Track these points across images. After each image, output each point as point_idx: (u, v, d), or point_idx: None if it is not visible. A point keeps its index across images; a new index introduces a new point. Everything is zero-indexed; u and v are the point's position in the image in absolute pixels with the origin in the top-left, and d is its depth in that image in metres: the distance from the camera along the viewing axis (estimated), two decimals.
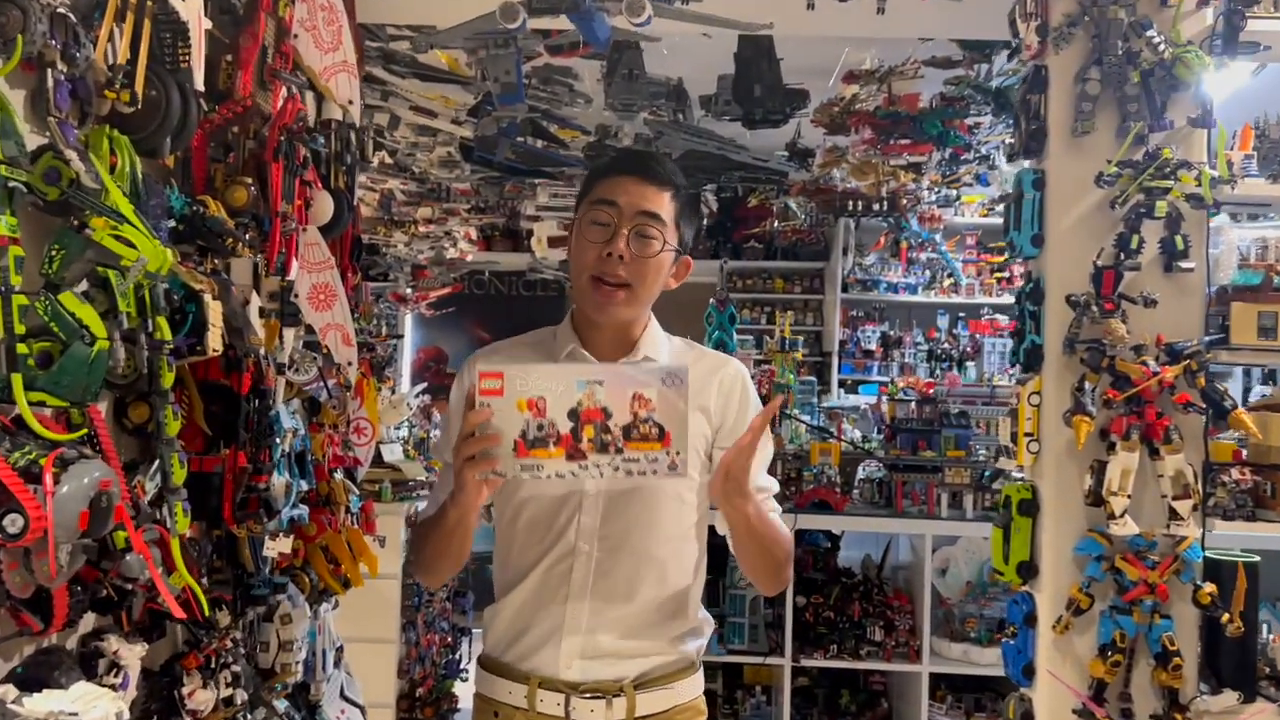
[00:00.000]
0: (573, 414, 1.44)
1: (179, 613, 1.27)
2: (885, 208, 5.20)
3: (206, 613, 1.40)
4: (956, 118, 4.47)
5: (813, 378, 4.82)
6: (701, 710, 1.77)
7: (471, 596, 5.95)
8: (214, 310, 1.48)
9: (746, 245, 7.41)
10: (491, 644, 1.78)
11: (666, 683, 1.70)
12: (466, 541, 1.65)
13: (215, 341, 1.49)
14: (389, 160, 5.72)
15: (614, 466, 1.45)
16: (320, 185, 2.16)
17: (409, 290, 6.75)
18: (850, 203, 5.16)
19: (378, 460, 5.02)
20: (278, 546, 1.70)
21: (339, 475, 2.32)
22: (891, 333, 7.30)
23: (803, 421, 4.21)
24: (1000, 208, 6.84)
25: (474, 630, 5.84)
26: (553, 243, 5.59)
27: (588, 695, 1.65)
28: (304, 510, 2.17)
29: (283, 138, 1.62)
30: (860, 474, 4.04)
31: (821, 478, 3.82)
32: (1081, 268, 2.32)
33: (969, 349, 6.53)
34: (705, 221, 7.19)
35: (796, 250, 7.42)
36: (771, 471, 1.92)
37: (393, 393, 5.14)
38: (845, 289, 7.24)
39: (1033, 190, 2.39)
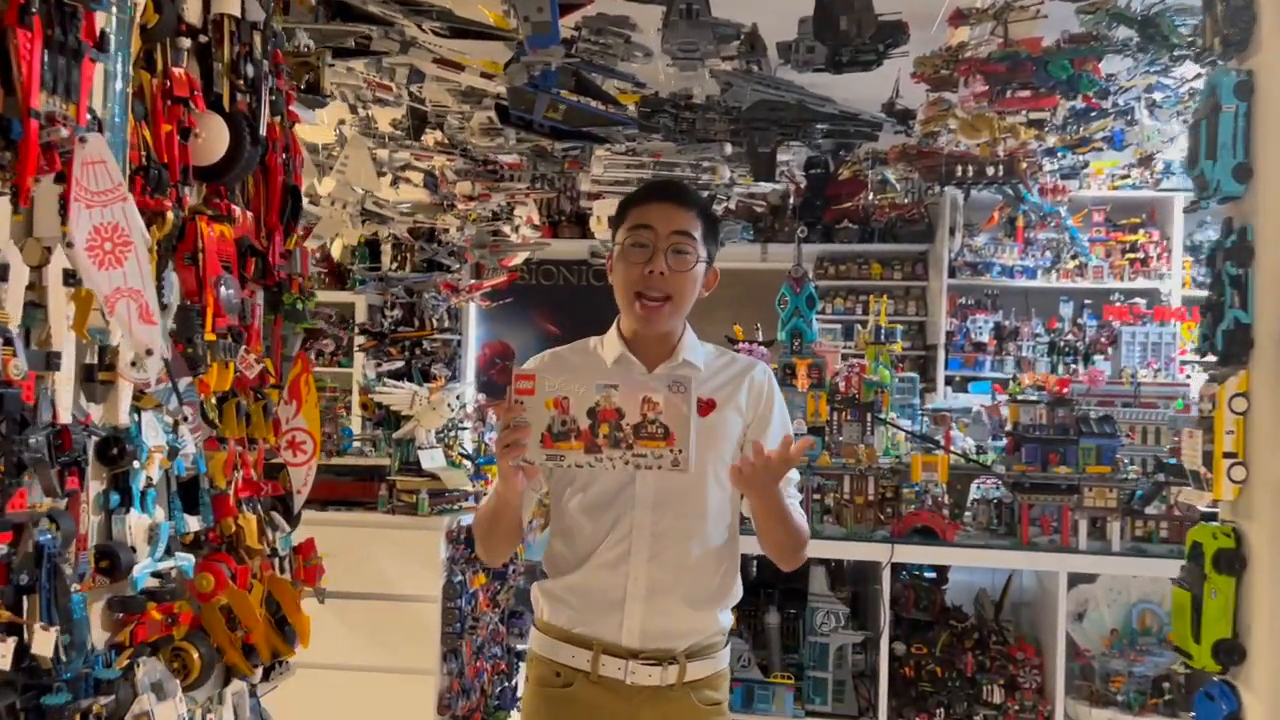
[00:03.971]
0: (591, 413, 1.65)
1: None
2: (1001, 173, 4.42)
3: None
4: (1090, 56, 3.68)
5: (914, 374, 4.06)
6: (728, 674, 1.97)
7: (530, 617, 5.33)
8: None
9: (839, 226, 6.67)
10: (553, 612, 1.91)
11: (711, 652, 1.89)
12: (515, 521, 1.85)
13: None
14: (443, 138, 5.21)
15: (625, 460, 1.65)
16: (202, 104, 1.55)
17: (468, 280, 6.20)
18: (959, 168, 4.40)
19: (416, 469, 4.46)
20: (38, 644, 1.08)
21: (252, 508, 1.70)
22: (1006, 323, 6.54)
23: (900, 428, 3.46)
24: (1134, 176, 5.98)
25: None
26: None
27: (646, 661, 1.82)
28: (187, 560, 1.56)
29: None
30: (974, 493, 3.28)
31: (925, 498, 3.08)
32: None
33: (1102, 339, 5.66)
34: (792, 200, 6.46)
35: (896, 231, 6.66)
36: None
37: (430, 392, 4.56)
38: (952, 274, 6.52)
39: (1235, 99, 1.64)
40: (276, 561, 1.80)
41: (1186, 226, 6.38)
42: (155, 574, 1.48)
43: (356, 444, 5.03)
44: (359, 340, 6.18)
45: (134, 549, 1.45)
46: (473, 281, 5.67)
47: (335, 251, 7.07)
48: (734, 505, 1.92)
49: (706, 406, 1.80)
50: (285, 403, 1.86)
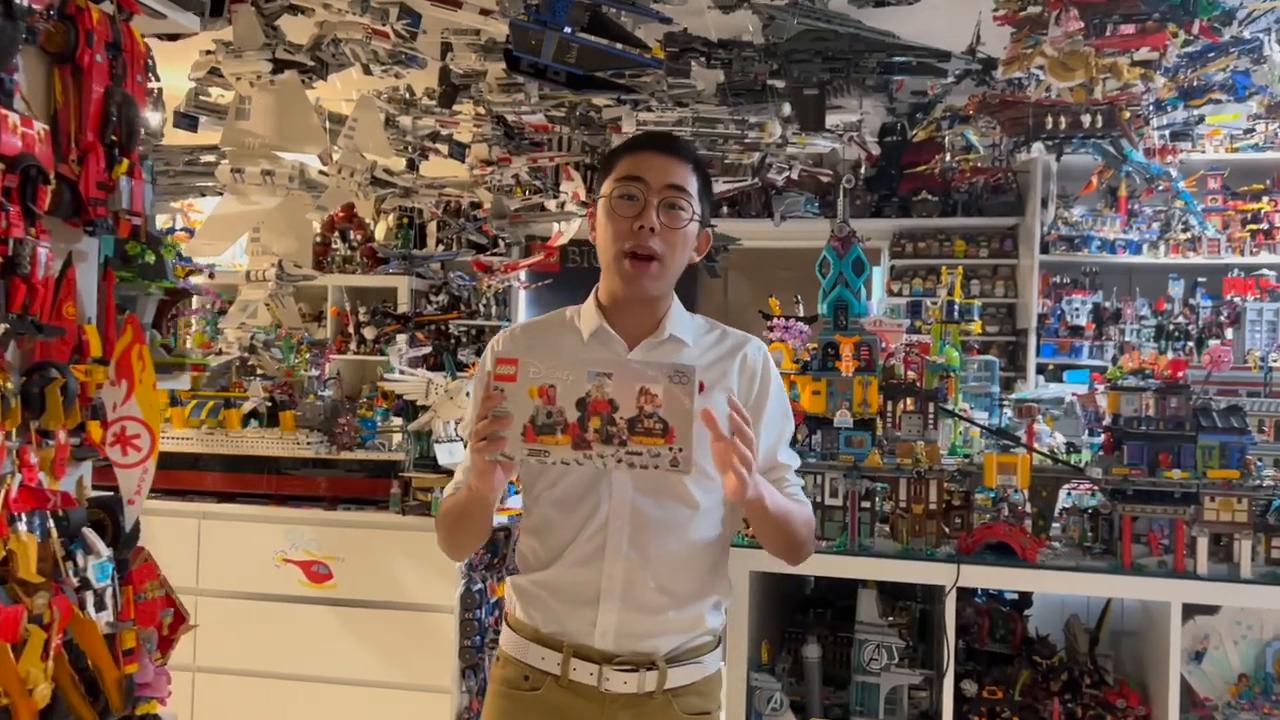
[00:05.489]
0: (581, 404, 1.49)
1: None
2: (1099, 124, 3.78)
3: None
4: None
5: (993, 359, 3.45)
6: (721, 681, 1.83)
7: None
8: None
9: (918, 199, 6.05)
10: (523, 611, 1.78)
11: (697, 655, 1.75)
12: (485, 520, 1.71)
13: None
14: (480, 111, 4.81)
15: (617, 458, 1.49)
16: None
17: (515, 258, 5.78)
18: (1048, 119, 3.78)
19: (433, 465, 4.04)
20: None
21: (27, 526, 1.25)
22: (1107, 304, 5.91)
23: (970, 421, 2.86)
24: (1258, 134, 5.22)
25: None
26: None
27: (621, 667, 1.69)
28: None
29: None
30: (1063, 502, 2.68)
31: (1001, 508, 2.51)
32: None
33: (1222, 319, 4.95)
34: (863, 170, 5.86)
35: (981, 203, 6.04)
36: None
37: (452, 378, 4.12)
38: (1045, 249, 5.91)
39: None
40: (89, 596, 1.35)
41: None
42: None
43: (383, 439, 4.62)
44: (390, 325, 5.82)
45: None
46: (507, 261, 5.22)
47: (379, 233, 6.73)
48: (721, 495, 1.74)
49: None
50: (112, 383, 1.41)
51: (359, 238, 6.73)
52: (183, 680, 3.98)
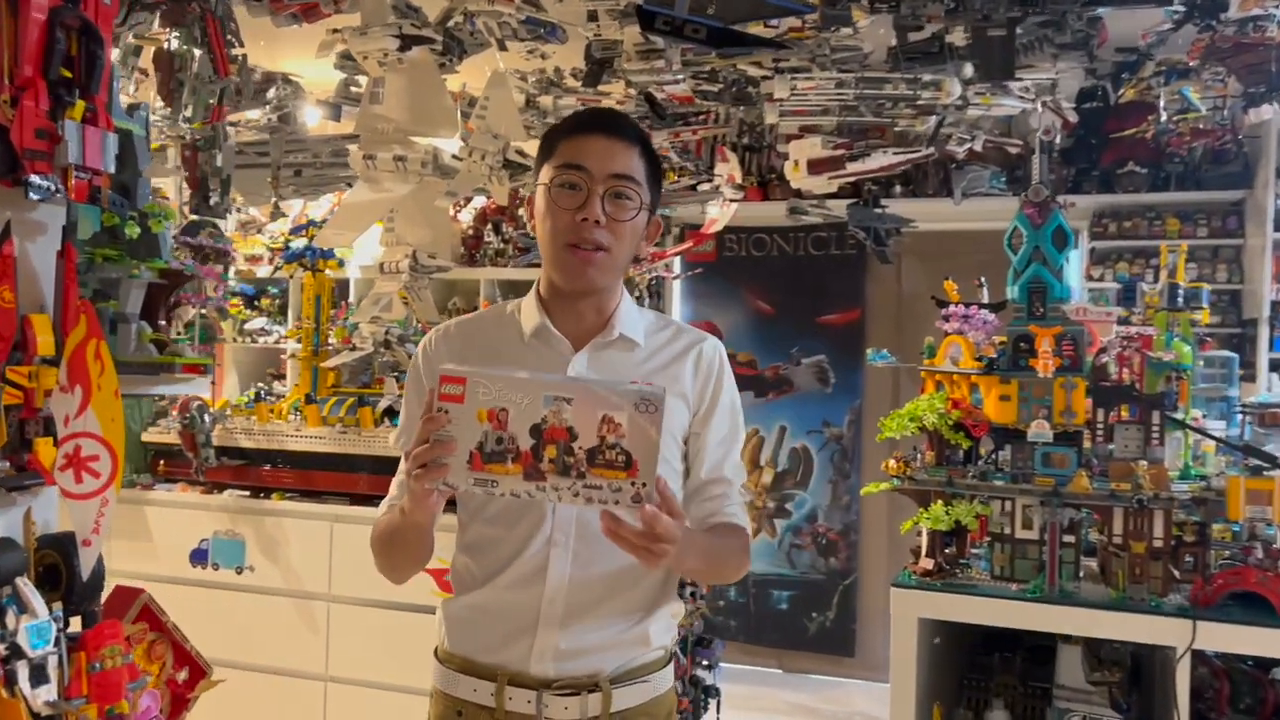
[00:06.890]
0: (535, 430, 1.36)
1: None
2: None
3: None
4: None
5: (1231, 355, 2.81)
6: (674, 701, 1.74)
7: (721, 644, 4.54)
8: None
9: (1123, 171, 5.31)
10: (454, 638, 1.67)
11: (644, 674, 1.66)
12: (423, 544, 1.60)
13: None
14: (630, 90, 4.50)
15: (574, 492, 1.37)
16: None
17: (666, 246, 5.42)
18: None
19: None
20: None
21: None
22: None
23: (1209, 435, 2.26)
24: None
25: (720, 688, 4.38)
26: (815, 167, 3.99)
27: (561, 692, 1.59)
28: None
29: None
30: None
31: (1251, 547, 1.94)
32: None
33: None
34: (1059, 136, 5.18)
35: (1199, 175, 5.24)
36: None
37: None
38: None
39: None
40: (22, 668, 1.04)
41: None
42: None
43: None
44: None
45: None
46: (654, 249, 4.86)
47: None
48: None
49: None
50: (63, 390, 1.09)
51: (511, 229, 6.56)
52: (314, 690, 3.85)
